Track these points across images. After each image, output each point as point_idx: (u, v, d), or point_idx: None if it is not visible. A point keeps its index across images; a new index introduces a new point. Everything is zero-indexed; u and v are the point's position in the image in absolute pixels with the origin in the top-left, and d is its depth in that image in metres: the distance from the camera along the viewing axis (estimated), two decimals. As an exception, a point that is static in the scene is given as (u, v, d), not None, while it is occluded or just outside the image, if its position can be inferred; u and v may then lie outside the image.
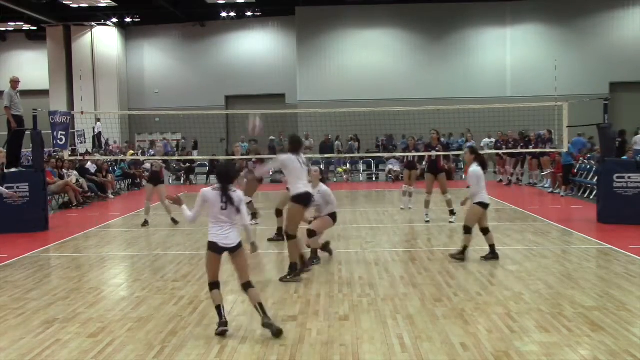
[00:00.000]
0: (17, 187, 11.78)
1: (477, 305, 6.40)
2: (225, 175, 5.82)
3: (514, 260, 8.55)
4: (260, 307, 5.65)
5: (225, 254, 5.78)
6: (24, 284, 7.69)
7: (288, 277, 7.57)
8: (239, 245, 5.76)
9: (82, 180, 16.79)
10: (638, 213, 11.13)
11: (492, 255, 8.48)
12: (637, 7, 31.30)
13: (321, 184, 8.75)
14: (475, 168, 8.57)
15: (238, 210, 5.75)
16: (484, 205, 8.48)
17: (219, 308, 5.73)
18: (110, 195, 18.20)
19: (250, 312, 6.30)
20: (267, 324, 5.56)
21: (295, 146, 7.88)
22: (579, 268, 8.05)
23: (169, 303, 6.68)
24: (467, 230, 8.46)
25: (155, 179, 12.91)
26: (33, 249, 9.93)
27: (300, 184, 7.64)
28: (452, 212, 12.04)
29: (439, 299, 6.63)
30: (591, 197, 15.16)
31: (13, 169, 12.23)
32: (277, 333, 5.50)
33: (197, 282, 7.61)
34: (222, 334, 5.59)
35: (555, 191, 17.16)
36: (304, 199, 7.69)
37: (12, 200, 11.28)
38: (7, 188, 11.69)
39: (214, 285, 5.81)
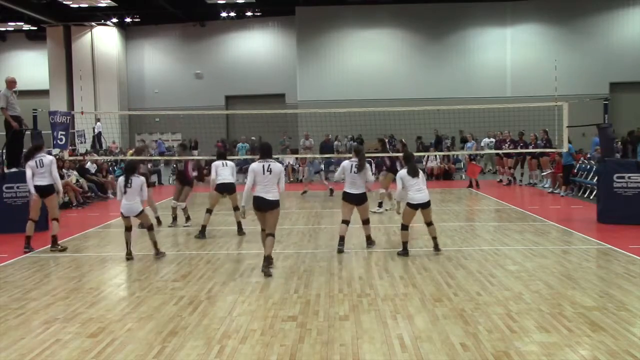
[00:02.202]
0: (17, 187, 11.79)
1: (477, 305, 6.40)
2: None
3: (514, 260, 8.56)
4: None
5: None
6: (24, 284, 7.69)
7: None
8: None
9: (82, 180, 16.79)
10: (638, 213, 11.13)
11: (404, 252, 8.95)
12: (637, 7, 31.32)
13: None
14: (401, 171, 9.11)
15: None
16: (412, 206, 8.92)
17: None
18: (111, 195, 18.19)
19: (250, 312, 6.31)
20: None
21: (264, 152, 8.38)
22: (579, 268, 8.05)
23: (169, 303, 6.68)
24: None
25: (182, 178, 12.67)
26: (33, 249, 9.93)
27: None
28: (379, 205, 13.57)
29: (439, 299, 6.63)
30: (591, 197, 15.16)
31: (13, 169, 12.22)
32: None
33: (197, 282, 7.62)
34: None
35: (555, 191, 17.16)
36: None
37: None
38: (6, 188, 11.74)
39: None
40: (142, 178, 8.99)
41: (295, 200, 17.21)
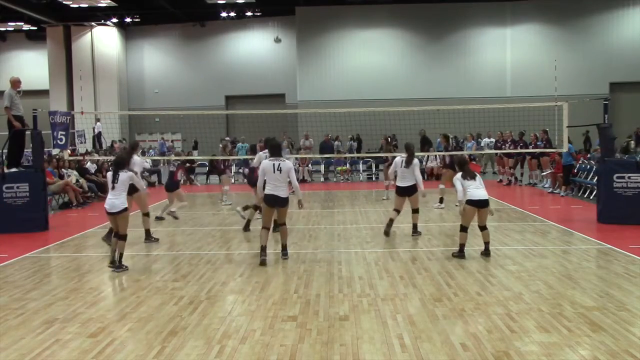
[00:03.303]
0: (17, 187, 11.78)
1: (477, 305, 6.40)
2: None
3: (514, 260, 8.55)
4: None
5: None
6: (24, 284, 7.69)
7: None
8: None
9: (82, 180, 16.78)
10: (638, 213, 11.12)
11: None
12: (637, 7, 31.34)
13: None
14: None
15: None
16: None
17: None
18: (110, 195, 18.17)
19: (250, 312, 6.31)
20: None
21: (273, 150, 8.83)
22: (579, 268, 8.05)
23: (169, 303, 6.68)
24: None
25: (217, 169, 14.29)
26: (33, 249, 9.93)
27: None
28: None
29: (439, 299, 6.63)
30: (591, 197, 15.16)
31: (13, 169, 12.22)
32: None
33: (197, 282, 7.62)
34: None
35: (555, 191, 17.15)
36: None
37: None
38: (7, 188, 11.74)
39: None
40: (130, 173, 8.57)
41: (294, 200, 17.19)
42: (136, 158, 10.54)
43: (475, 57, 31.82)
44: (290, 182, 8.62)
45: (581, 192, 16.33)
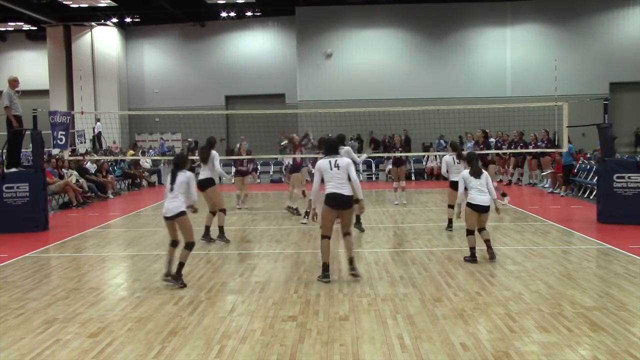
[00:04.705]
0: (17, 187, 11.78)
1: (477, 305, 6.40)
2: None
3: (514, 260, 8.55)
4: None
5: None
6: (24, 284, 7.69)
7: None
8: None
9: (82, 180, 16.79)
10: (638, 213, 11.12)
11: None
12: (637, 7, 31.33)
13: None
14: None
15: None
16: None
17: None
18: (110, 195, 18.21)
19: (250, 312, 6.30)
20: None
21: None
22: (579, 268, 8.05)
23: (169, 303, 6.68)
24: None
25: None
26: (33, 249, 9.93)
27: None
28: None
29: (439, 299, 6.63)
30: (591, 197, 15.16)
31: (13, 169, 12.21)
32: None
33: (197, 282, 7.61)
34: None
35: (555, 191, 17.16)
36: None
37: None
38: (6, 188, 11.74)
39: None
40: (190, 174, 7.53)
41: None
42: (214, 152, 10.39)
43: (475, 57, 31.81)
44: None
45: (581, 192, 16.33)
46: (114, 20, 33.08)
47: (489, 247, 8.55)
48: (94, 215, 14.48)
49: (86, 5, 30.59)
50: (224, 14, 32.42)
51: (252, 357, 5.09)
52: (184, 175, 7.38)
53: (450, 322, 5.85)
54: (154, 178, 23.09)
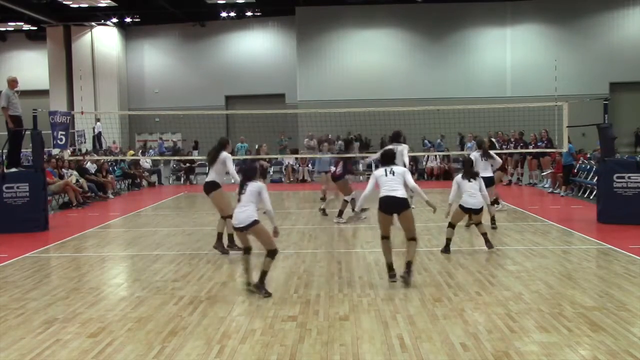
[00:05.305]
0: (17, 187, 11.78)
1: (477, 305, 6.40)
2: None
3: (514, 260, 8.56)
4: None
5: None
6: (24, 284, 7.69)
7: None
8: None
9: (82, 180, 16.79)
10: (638, 213, 11.12)
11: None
12: (637, 7, 31.34)
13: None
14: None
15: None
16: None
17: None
18: (110, 195, 18.21)
19: (250, 312, 6.30)
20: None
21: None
22: (579, 268, 8.05)
23: (169, 303, 6.68)
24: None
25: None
26: (33, 249, 9.93)
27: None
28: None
29: (439, 299, 6.63)
30: (591, 197, 15.16)
31: (13, 169, 12.21)
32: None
33: (197, 282, 7.62)
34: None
35: (555, 191, 17.16)
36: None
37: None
38: (6, 188, 11.73)
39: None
40: (260, 184, 7.09)
41: (295, 200, 17.22)
42: (225, 154, 9.35)
43: (475, 57, 31.81)
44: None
45: (581, 192, 16.33)
46: (114, 20, 33.08)
47: (487, 241, 9.10)
48: (94, 215, 14.48)
49: (86, 5, 30.59)
50: (224, 14, 32.42)
51: (252, 357, 5.09)
52: (254, 185, 7.00)
53: (450, 322, 5.85)
54: (154, 178, 23.10)
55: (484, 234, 9.17)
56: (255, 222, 6.84)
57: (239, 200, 6.97)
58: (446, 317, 6.00)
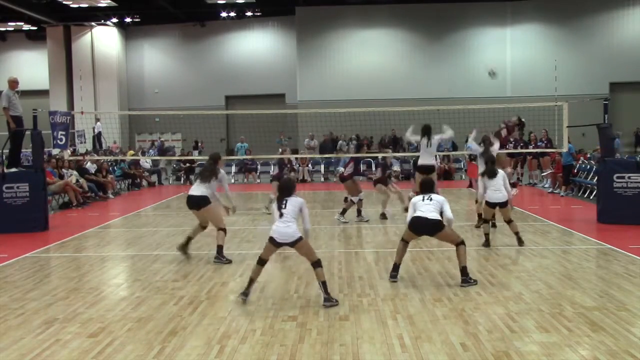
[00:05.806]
0: (17, 187, 11.78)
1: (477, 305, 6.40)
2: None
3: (514, 260, 8.56)
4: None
5: None
6: (24, 284, 7.69)
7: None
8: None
9: (82, 180, 16.79)
10: (638, 213, 11.12)
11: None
12: (637, 7, 31.33)
13: None
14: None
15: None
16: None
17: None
18: (110, 195, 18.21)
19: (250, 312, 6.30)
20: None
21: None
22: (579, 268, 8.05)
23: (169, 303, 6.68)
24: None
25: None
26: (33, 249, 9.93)
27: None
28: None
29: (439, 299, 6.63)
30: (591, 197, 15.16)
31: (13, 169, 12.22)
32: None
33: (197, 282, 7.62)
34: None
35: (555, 191, 17.16)
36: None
37: None
38: (6, 188, 11.74)
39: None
40: (301, 199, 6.85)
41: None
42: (223, 173, 9.13)
43: (475, 57, 31.81)
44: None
45: (581, 192, 16.33)
46: (114, 20, 33.08)
47: (519, 239, 9.47)
48: (94, 215, 14.48)
49: (86, 5, 30.59)
50: (224, 14, 32.42)
51: (252, 357, 5.09)
52: (296, 201, 6.78)
53: (450, 322, 5.85)
54: (154, 178, 23.11)
55: (517, 233, 9.48)
56: (301, 238, 6.69)
57: (280, 215, 6.70)
58: (446, 317, 6.00)
